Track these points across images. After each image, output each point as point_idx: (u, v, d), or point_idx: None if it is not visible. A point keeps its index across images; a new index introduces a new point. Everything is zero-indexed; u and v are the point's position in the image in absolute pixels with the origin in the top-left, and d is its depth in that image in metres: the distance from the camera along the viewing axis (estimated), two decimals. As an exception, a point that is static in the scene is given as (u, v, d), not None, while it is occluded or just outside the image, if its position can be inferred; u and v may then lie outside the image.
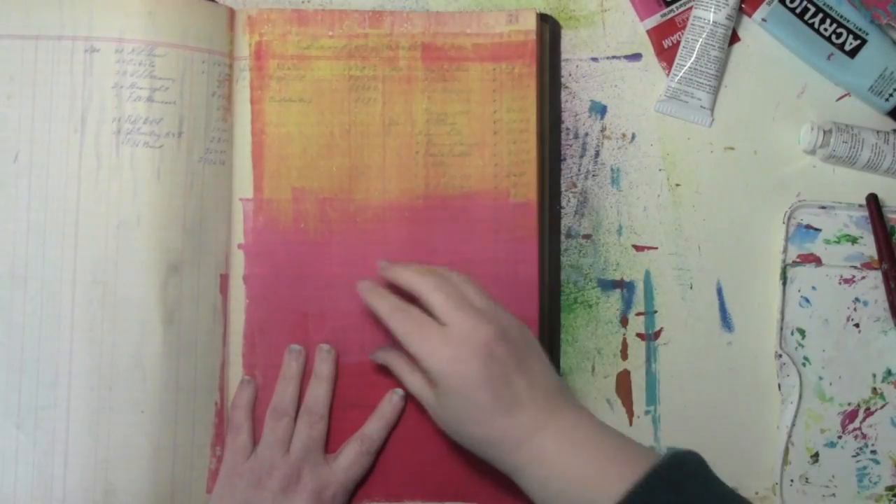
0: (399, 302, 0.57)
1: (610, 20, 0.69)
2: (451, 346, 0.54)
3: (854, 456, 0.67)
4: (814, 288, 0.68)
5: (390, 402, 0.63)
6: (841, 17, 0.68)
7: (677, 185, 0.68)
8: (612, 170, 0.68)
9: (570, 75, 0.68)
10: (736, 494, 0.52)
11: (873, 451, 0.67)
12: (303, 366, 0.63)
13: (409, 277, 0.57)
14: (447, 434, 0.57)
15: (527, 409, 0.53)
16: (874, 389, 0.68)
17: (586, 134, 0.68)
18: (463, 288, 0.57)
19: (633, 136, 0.68)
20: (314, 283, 0.64)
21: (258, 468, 0.60)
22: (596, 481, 0.51)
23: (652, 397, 0.67)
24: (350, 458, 0.61)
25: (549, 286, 0.66)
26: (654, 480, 0.50)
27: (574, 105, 0.68)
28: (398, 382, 0.60)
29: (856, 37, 0.68)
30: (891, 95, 0.68)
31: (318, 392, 0.62)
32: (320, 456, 0.61)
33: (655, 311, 0.68)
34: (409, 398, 0.63)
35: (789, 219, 0.67)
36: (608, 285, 0.67)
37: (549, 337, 0.66)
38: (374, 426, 0.62)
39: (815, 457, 0.67)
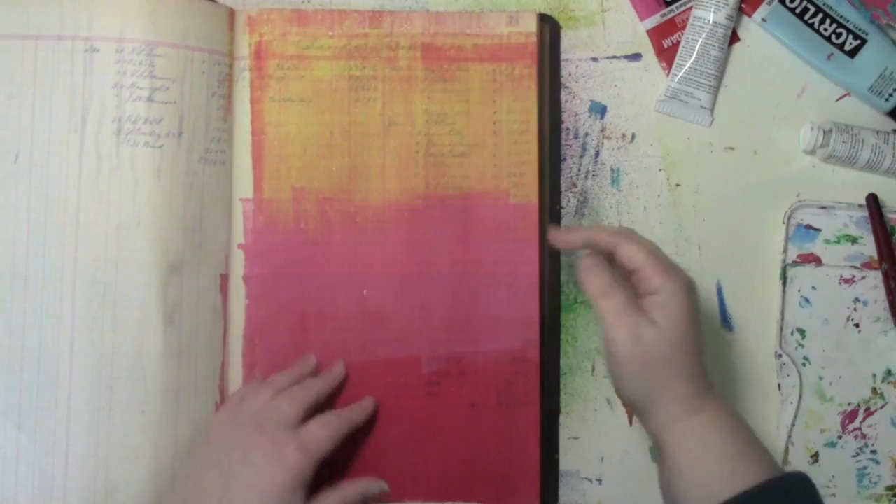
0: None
1: (610, 20, 0.69)
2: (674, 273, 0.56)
3: (854, 456, 0.67)
4: (814, 288, 0.68)
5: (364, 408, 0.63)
6: (841, 17, 0.68)
7: (677, 185, 0.68)
8: (612, 170, 0.68)
9: (570, 75, 0.68)
10: None
11: (873, 451, 0.67)
12: (307, 374, 0.62)
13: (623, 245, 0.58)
14: (610, 367, 0.57)
15: (691, 381, 0.55)
16: (874, 389, 0.68)
17: (586, 134, 0.68)
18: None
19: (633, 136, 0.68)
20: (314, 283, 0.64)
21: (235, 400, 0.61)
22: (714, 478, 0.53)
23: (652, 397, 0.67)
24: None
25: (549, 286, 0.66)
26: (761, 495, 0.51)
27: (574, 105, 0.68)
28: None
29: (856, 37, 0.68)
30: (891, 95, 0.68)
31: (318, 383, 0.61)
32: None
33: (655, 311, 0.68)
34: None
35: (789, 219, 0.67)
36: (608, 285, 0.67)
37: (549, 337, 0.66)
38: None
39: (815, 457, 0.67)
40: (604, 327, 0.56)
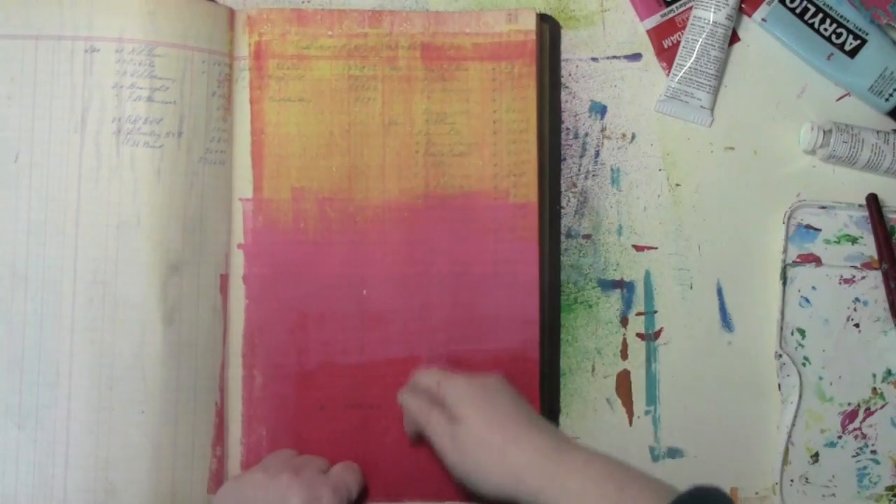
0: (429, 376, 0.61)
1: (610, 20, 0.69)
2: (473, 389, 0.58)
3: (854, 456, 0.67)
4: (814, 288, 0.68)
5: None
6: (841, 17, 0.68)
7: (677, 185, 0.68)
8: (612, 170, 0.68)
9: (570, 75, 0.68)
10: None
11: (873, 451, 0.67)
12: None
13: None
14: (461, 480, 0.57)
15: (536, 452, 0.54)
16: (874, 389, 0.68)
17: (586, 134, 0.68)
18: None
19: (633, 136, 0.68)
20: (314, 283, 0.64)
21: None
22: None
23: (652, 397, 0.67)
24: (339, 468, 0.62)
25: (549, 286, 0.66)
26: None
27: (574, 105, 0.68)
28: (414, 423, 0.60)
29: (856, 37, 0.68)
30: (891, 95, 0.68)
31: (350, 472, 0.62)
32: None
33: (655, 311, 0.68)
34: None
35: (789, 219, 0.67)
36: (608, 285, 0.67)
37: (549, 337, 0.66)
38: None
39: (815, 457, 0.67)
40: (433, 446, 0.58)
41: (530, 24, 0.65)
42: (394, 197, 0.64)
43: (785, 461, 0.67)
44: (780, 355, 0.67)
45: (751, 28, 0.69)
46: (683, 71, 0.67)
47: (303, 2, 0.68)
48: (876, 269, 0.68)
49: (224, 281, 0.63)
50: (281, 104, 0.64)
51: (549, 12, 0.68)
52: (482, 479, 0.55)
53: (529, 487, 0.53)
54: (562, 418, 0.67)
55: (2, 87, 0.61)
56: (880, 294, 0.68)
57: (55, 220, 0.61)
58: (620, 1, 0.69)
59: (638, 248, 0.68)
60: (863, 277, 0.68)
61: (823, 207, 0.68)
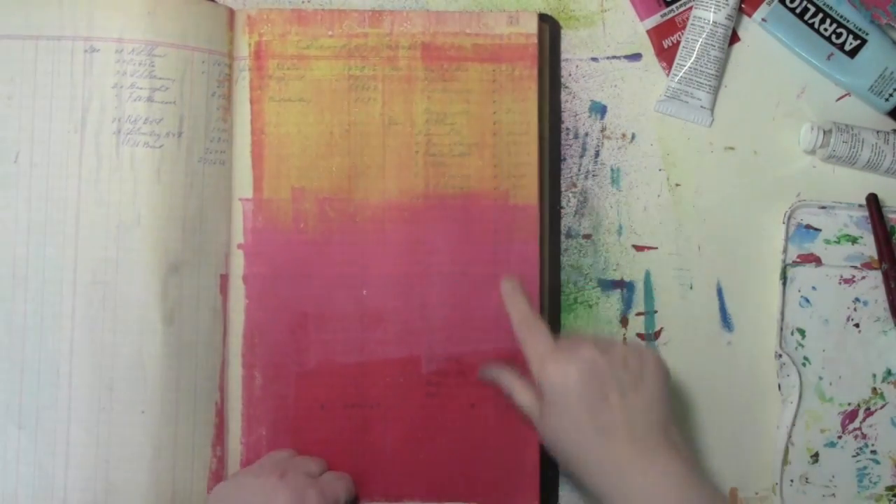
0: (529, 312, 0.61)
1: (610, 20, 0.69)
2: (558, 355, 0.57)
3: (854, 456, 0.67)
4: (814, 288, 0.68)
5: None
6: (841, 17, 0.68)
7: (677, 185, 0.68)
8: (612, 170, 0.68)
9: (570, 75, 0.68)
10: None
11: (873, 451, 0.67)
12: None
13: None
14: (552, 452, 0.58)
15: (620, 439, 0.54)
16: (874, 389, 0.68)
17: (586, 134, 0.68)
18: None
19: (633, 136, 0.68)
20: (314, 283, 0.64)
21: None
22: None
23: (652, 397, 0.67)
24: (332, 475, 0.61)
25: (549, 286, 0.66)
26: None
27: (574, 105, 0.68)
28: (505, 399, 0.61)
29: (856, 37, 0.68)
30: (891, 95, 0.68)
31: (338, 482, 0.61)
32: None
33: (655, 311, 0.68)
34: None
35: (789, 219, 0.67)
36: (608, 285, 0.67)
37: (549, 337, 0.66)
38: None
39: (815, 457, 0.67)
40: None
41: (531, 27, 0.65)
42: (394, 197, 0.64)
43: (785, 461, 0.67)
44: (780, 355, 0.67)
45: (751, 28, 0.69)
46: (683, 71, 0.67)
47: (303, 2, 0.68)
48: (876, 269, 0.68)
49: (224, 281, 0.63)
50: (281, 104, 0.64)
51: (549, 12, 0.68)
52: (562, 459, 0.57)
53: (595, 490, 0.55)
54: (562, 418, 0.67)
55: (2, 87, 0.61)
56: (880, 294, 0.68)
57: (55, 220, 0.61)
58: (620, 1, 0.69)
59: (638, 248, 0.68)
60: (863, 277, 0.68)
61: (823, 207, 0.68)
